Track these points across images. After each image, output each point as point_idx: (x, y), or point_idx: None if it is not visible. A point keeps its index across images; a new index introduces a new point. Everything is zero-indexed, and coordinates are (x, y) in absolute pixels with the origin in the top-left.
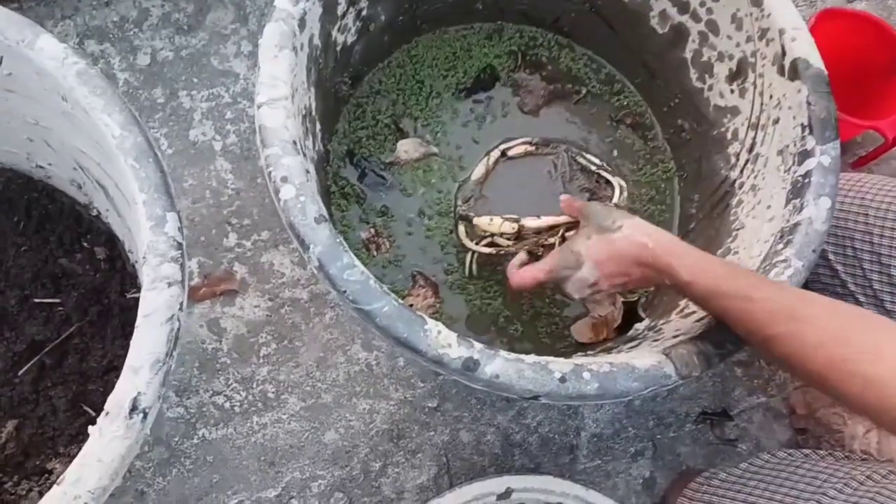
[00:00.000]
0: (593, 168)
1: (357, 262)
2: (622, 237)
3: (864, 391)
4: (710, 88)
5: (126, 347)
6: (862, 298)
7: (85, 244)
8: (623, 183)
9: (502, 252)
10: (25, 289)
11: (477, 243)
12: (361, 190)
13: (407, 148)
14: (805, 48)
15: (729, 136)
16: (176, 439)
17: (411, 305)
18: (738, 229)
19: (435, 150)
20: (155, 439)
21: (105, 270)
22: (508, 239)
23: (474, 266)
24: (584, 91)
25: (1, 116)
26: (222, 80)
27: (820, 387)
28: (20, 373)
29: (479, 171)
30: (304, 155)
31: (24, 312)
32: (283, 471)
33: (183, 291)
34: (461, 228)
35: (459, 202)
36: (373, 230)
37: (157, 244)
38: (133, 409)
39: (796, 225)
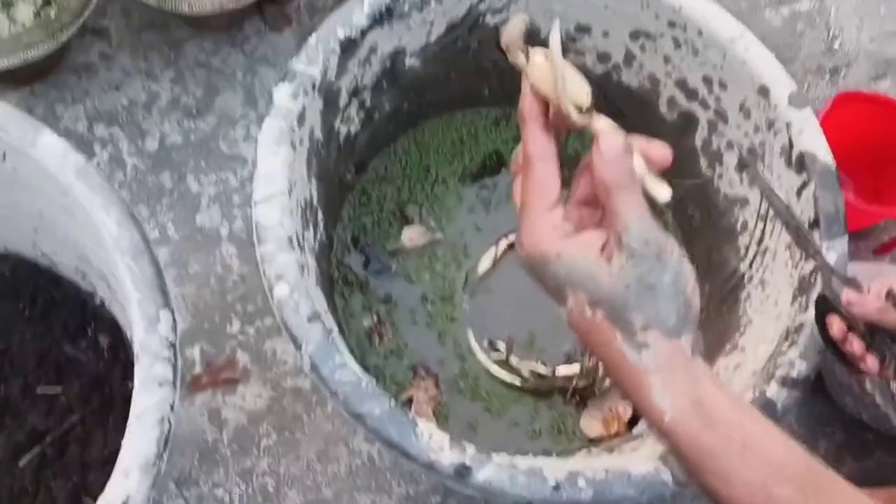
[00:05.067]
0: None
1: (350, 362)
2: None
3: None
4: (720, 177)
5: None
6: (880, 400)
7: (89, 332)
8: None
9: (517, 385)
10: (29, 377)
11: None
12: (365, 277)
13: (412, 235)
14: (813, 141)
15: (738, 226)
16: None
17: (411, 398)
18: (746, 325)
19: (440, 236)
20: None
21: (108, 359)
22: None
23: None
24: None
25: (7, 208)
26: (230, 165)
27: None
28: (21, 463)
29: (485, 263)
30: (303, 248)
31: (26, 401)
32: None
33: (175, 392)
34: (470, 332)
35: (466, 296)
36: (376, 318)
37: (150, 343)
38: None
39: (802, 325)
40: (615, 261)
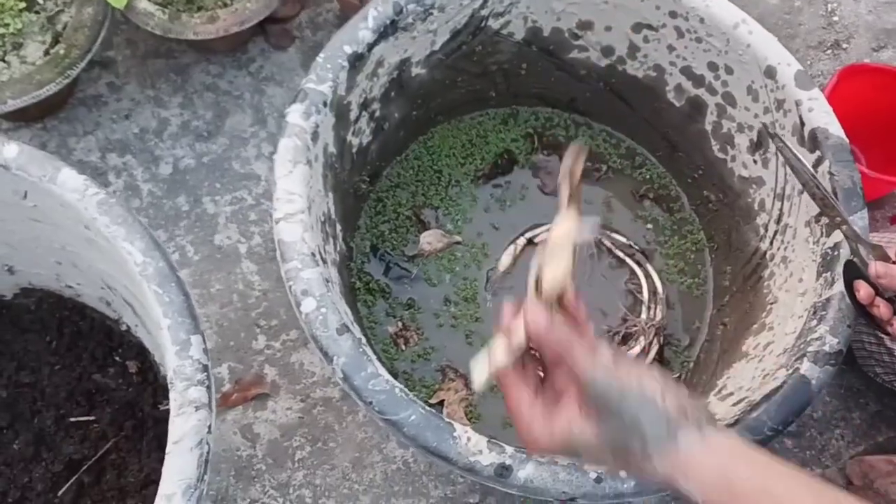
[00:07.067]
0: (619, 253)
1: (382, 371)
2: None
3: None
4: (733, 159)
5: (162, 460)
6: None
7: (117, 358)
8: (651, 269)
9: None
10: (61, 408)
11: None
12: (386, 284)
13: (430, 239)
14: (823, 117)
15: (756, 206)
16: None
17: (443, 401)
18: (772, 303)
19: (458, 238)
20: None
21: (137, 383)
22: None
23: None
24: (604, 168)
25: (30, 242)
26: (244, 183)
27: None
28: (60, 493)
29: (505, 261)
30: (325, 261)
31: (60, 432)
32: None
33: (211, 414)
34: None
35: (489, 295)
36: (400, 324)
37: (184, 368)
38: None
39: (829, 300)
40: (591, 416)
